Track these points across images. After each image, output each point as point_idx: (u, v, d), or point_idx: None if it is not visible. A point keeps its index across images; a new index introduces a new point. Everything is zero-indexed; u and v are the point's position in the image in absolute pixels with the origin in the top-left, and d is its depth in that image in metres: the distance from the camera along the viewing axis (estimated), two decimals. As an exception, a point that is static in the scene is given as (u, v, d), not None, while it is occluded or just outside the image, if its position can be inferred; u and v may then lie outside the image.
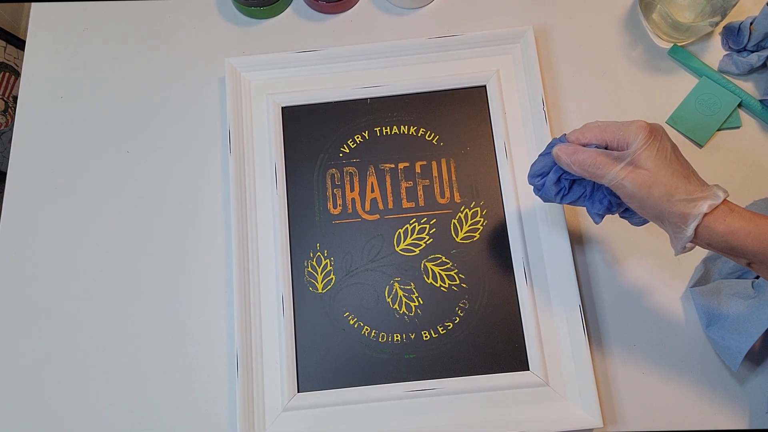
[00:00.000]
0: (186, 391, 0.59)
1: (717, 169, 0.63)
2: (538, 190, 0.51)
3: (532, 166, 0.50)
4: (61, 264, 0.63)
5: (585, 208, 0.50)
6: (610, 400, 0.57)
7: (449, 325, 0.59)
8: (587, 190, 0.49)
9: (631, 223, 0.50)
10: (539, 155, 0.50)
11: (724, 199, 0.43)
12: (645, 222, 0.49)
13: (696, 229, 0.42)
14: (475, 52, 0.66)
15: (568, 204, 0.50)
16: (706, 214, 0.42)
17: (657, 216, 0.44)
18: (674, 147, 0.45)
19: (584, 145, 0.46)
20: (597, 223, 0.50)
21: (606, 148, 0.46)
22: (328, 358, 0.58)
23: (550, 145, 0.49)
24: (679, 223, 0.43)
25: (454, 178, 0.63)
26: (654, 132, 0.44)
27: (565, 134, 0.48)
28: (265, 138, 0.64)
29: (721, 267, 0.58)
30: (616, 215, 0.50)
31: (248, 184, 0.62)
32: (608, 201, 0.48)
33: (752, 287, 0.54)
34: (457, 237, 0.61)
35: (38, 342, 0.61)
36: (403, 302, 0.60)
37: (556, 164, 0.48)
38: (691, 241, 0.44)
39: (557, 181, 0.49)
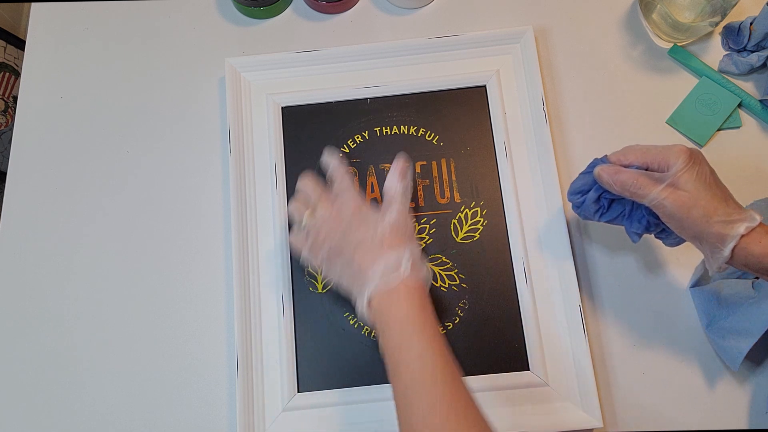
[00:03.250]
0: (186, 391, 0.59)
1: (717, 169, 0.62)
2: (577, 207, 0.52)
3: (572, 183, 0.52)
4: (61, 264, 0.63)
5: (623, 227, 0.52)
6: (610, 400, 0.57)
7: (449, 325, 0.59)
8: (626, 210, 0.50)
9: (666, 244, 0.52)
10: (580, 174, 0.52)
11: (760, 222, 0.44)
12: (679, 243, 0.51)
13: (733, 250, 0.44)
14: (475, 52, 0.66)
15: (606, 222, 0.52)
16: (743, 236, 0.44)
17: (695, 236, 0.46)
18: (712, 171, 0.47)
19: (625, 167, 0.48)
20: (635, 241, 0.51)
21: (646, 170, 0.47)
22: (328, 358, 0.58)
23: (591, 165, 0.51)
24: (717, 243, 0.44)
25: (454, 178, 0.63)
26: (694, 156, 0.46)
27: (607, 155, 0.50)
28: (265, 138, 0.64)
29: (721, 267, 0.58)
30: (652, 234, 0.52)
31: (248, 184, 0.62)
32: (647, 221, 0.49)
33: (752, 287, 0.54)
34: (457, 237, 0.61)
35: (38, 342, 0.61)
36: (403, 302, 0.59)
37: (596, 183, 0.50)
38: (727, 262, 0.45)
39: (597, 199, 0.50)
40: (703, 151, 0.64)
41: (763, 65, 0.65)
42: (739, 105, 0.64)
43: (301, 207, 0.54)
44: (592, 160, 0.51)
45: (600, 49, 0.68)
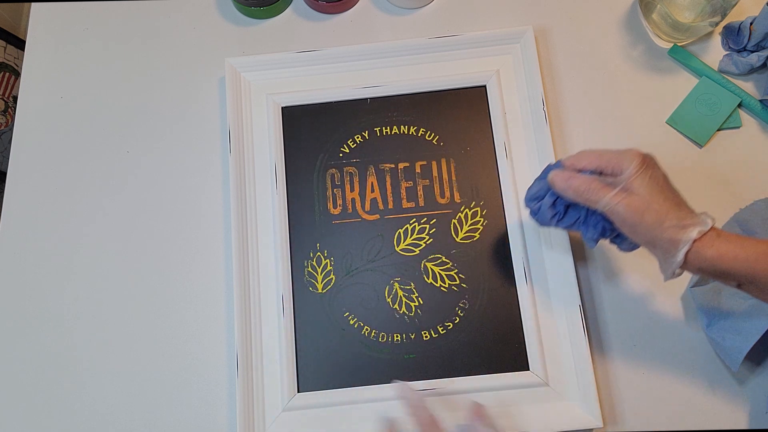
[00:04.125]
0: (186, 391, 0.59)
1: (717, 169, 0.63)
2: (534, 214, 0.51)
3: (528, 189, 0.51)
4: (61, 264, 0.63)
5: (580, 233, 0.51)
6: (610, 400, 0.57)
7: (449, 325, 0.59)
8: (582, 215, 0.49)
9: (620, 249, 0.51)
10: (535, 179, 0.51)
11: (713, 226, 0.44)
12: (634, 248, 0.50)
13: (686, 255, 0.44)
14: (475, 52, 0.66)
15: (563, 228, 0.51)
16: (695, 240, 0.43)
17: (648, 242, 0.45)
18: (665, 176, 0.46)
19: (579, 171, 0.48)
20: (591, 247, 0.51)
21: (600, 174, 0.47)
22: (328, 358, 0.58)
23: (546, 170, 0.50)
24: (670, 248, 0.44)
25: (454, 178, 0.63)
26: (647, 160, 0.45)
27: (561, 160, 0.49)
28: (265, 138, 0.64)
29: (721, 267, 0.58)
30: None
31: (248, 184, 0.62)
32: (602, 226, 0.49)
33: (752, 287, 0.54)
34: (457, 237, 0.61)
35: (38, 342, 0.61)
36: (403, 302, 0.60)
37: (551, 188, 0.49)
38: (680, 267, 0.45)
39: (552, 204, 0.49)
40: (703, 151, 0.64)
41: (763, 65, 0.65)
42: (739, 105, 0.64)
43: None
44: (546, 166, 0.51)
45: (600, 49, 0.68)
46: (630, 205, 0.44)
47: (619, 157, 0.46)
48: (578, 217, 0.50)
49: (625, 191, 0.45)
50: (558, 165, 0.49)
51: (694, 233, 0.43)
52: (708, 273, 0.44)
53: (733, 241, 0.43)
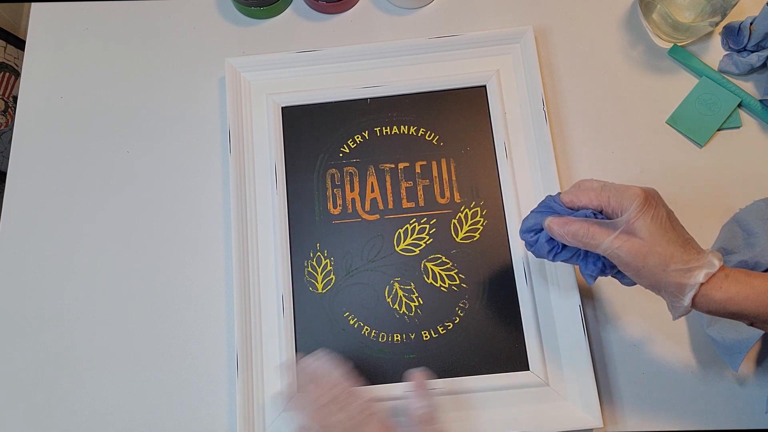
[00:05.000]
0: (186, 391, 0.59)
1: (717, 169, 0.63)
2: (531, 246, 0.50)
3: (524, 221, 0.50)
4: (61, 264, 0.63)
5: (578, 267, 0.49)
6: (610, 400, 0.57)
7: (449, 325, 0.59)
8: (581, 251, 0.48)
9: (623, 284, 0.49)
10: (532, 212, 0.49)
11: (721, 266, 0.42)
12: (636, 283, 0.48)
13: (693, 299, 0.42)
14: (475, 52, 0.66)
15: (561, 262, 0.49)
16: (702, 284, 0.41)
17: (652, 285, 0.44)
18: (670, 213, 0.44)
19: (578, 208, 0.46)
20: (590, 284, 0.48)
21: (601, 211, 0.45)
22: (328, 358, 0.58)
23: (544, 203, 0.48)
24: (676, 292, 0.42)
25: (454, 178, 0.63)
26: (649, 199, 0.43)
27: (560, 194, 0.48)
28: (265, 138, 0.64)
29: (721, 267, 0.58)
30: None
31: (248, 184, 0.62)
32: (602, 263, 0.47)
33: (752, 287, 0.54)
34: (457, 237, 0.61)
35: (38, 342, 0.61)
36: (403, 302, 0.60)
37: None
38: (688, 310, 0.43)
39: (550, 238, 0.48)
40: (703, 151, 0.64)
41: (763, 65, 0.65)
42: (739, 105, 0.64)
43: None
44: (545, 198, 0.49)
45: (600, 49, 0.68)
46: (631, 249, 0.42)
47: (620, 196, 0.43)
48: (577, 251, 0.48)
49: (626, 234, 0.42)
50: (556, 200, 0.48)
51: (700, 277, 0.41)
52: (718, 314, 0.43)
53: (742, 282, 0.41)
